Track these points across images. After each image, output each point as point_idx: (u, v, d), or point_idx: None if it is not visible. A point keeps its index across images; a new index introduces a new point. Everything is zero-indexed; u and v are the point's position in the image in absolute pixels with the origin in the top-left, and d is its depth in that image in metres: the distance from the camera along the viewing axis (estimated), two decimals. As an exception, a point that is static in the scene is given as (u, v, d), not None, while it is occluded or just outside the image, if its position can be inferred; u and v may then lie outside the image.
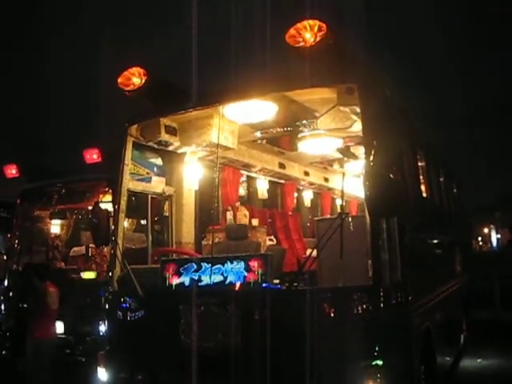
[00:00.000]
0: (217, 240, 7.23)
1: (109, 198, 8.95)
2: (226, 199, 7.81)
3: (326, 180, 10.73)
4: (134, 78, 5.81)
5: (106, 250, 9.96)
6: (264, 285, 4.90)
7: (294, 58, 5.24)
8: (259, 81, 5.66)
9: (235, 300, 4.90)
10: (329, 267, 5.17)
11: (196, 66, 6.12)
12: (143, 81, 5.77)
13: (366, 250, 4.87)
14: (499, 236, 35.80)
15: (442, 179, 8.49)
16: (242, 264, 5.00)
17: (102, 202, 7.11)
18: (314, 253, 5.12)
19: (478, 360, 9.06)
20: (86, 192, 10.00)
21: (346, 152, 5.28)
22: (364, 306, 4.58)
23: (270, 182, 9.19)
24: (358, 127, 6.18)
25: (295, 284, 4.84)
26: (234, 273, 5.02)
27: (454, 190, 10.08)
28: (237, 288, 4.97)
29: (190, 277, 5.19)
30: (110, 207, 6.96)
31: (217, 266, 5.10)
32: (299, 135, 7.21)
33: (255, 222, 8.26)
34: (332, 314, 4.63)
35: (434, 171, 7.89)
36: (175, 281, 5.25)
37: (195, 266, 5.20)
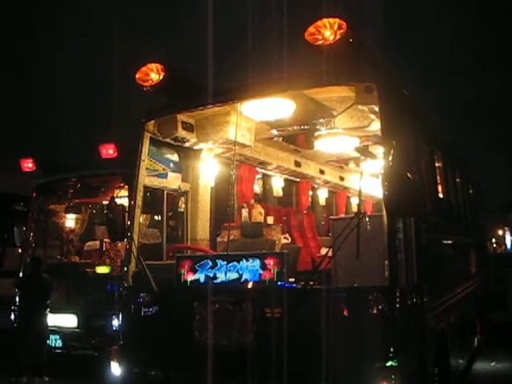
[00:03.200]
0: (232, 237, 7.23)
1: (124, 193, 8.99)
2: (241, 196, 7.80)
3: (342, 179, 10.69)
4: (153, 73, 5.80)
5: (120, 245, 10.01)
6: (279, 283, 4.88)
7: (313, 56, 5.23)
8: (277, 78, 5.65)
9: (250, 298, 4.90)
10: (344, 267, 5.14)
11: (212, 63, 6.13)
12: (161, 77, 5.76)
13: (383, 250, 4.86)
14: (513, 238, 35.53)
15: (457, 180, 8.42)
16: (258, 262, 4.99)
17: (117, 197, 7.10)
18: (330, 252, 5.09)
19: (492, 363, 9.00)
20: (100, 187, 10.04)
21: (364, 151, 5.25)
22: (380, 307, 4.55)
23: (285, 179, 9.18)
24: (375, 126, 6.17)
25: (311, 283, 4.81)
26: (249, 270, 5.01)
27: (470, 191, 10.00)
28: (252, 286, 4.96)
29: (205, 274, 5.19)
30: (125, 202, 7.00)
31: (232, 264, 5.09)
32: (316, 133, 7.18)
33: (270, 219, 8.24)
34: (347, 314, 4.61)
35: (451, 172, 7.82)
36: (190, 277, 5.24)
37: (210, 263, 5.19)
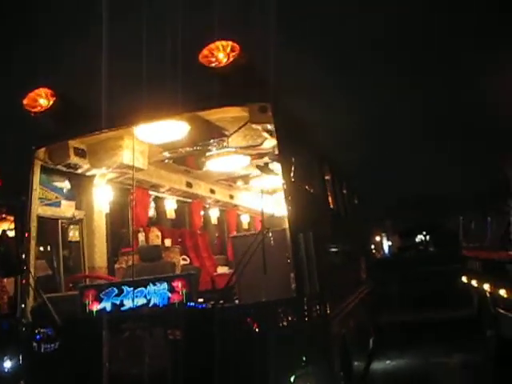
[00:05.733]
0: (130, 263, 7.09)
1: (7, 225, 8.49)
2: (136, 221, 7.67)
3: (231, 197, 10.85)
4: (41, 99, 5.61)
5: (5, 280, 9.44)
6: (189, 304, 4.88)
7: (208, 77, 5.33)
8: (171, 101, 5.67)
9: (161, 322, 4.85)
10: (248, 283, 5.21)
11: (104, 86, 6.03)
12: (51, 102, 5.59)
13: (286, 263, 5.03)
14: (390, 243, 37.69)
15: (345, 192, 8.89)
16: (166, 285, 4.96)
17: (9, 229, 6.71)
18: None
19: (387, 362, 9.51)
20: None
21: (265, 168, 5.42)
22: (291, 318, 4.72)
23: (177, 201, 9.15)
24: (268, 144, 6.37)
25: (221, 302, 4.86)
26: (157, 294, 4.96)
27: (356, 202, 10.58)
28: (162, 310, 4.91)
29: (112, 302, 5.06)
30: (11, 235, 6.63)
31: (139, 289, 5.02)
32: (207, 154, 7.27)
33: (168, 242, 8.17)
34: (261, 329, 4.69)
35: (338, 184, 8.25)
36: (96, 307, 5.09)
37: (116, 291, 5.07)
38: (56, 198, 6.39)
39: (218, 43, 5.05)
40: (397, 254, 33.66)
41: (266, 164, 5.39)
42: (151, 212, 8.73)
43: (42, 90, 5.62)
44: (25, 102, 5.64)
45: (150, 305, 4.96)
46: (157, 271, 6.18)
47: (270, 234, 5.13)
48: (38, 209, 5.89)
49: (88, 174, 6.65)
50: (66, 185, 6.62)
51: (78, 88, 5.99)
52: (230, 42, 5.04)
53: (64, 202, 6.49)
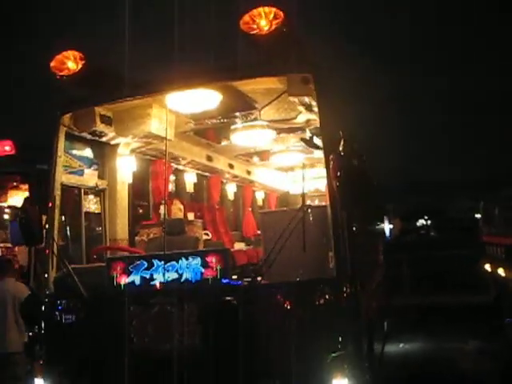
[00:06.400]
0: (152, 236, 6.92)
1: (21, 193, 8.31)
2: (157, 193, 7.45)
3: (249, 173, 10.64)
4: (70, 62, 5.36)
5: (17, 249, 9.29)
6: (224, 280, 4.70)
7: (247, 45, 5.09)
8: (205, 69, 5.45)
9: (193, 298, 4.68)
10: (280, 260, 5.03)
11: (127, 51, 5.77)
12: (80, 66, 5.34)
13: (322, 242, 4.86)
14: (392, 226, 37.69)
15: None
16: (199, 260, 4.77)
17: (31, 197, 6.51)
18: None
19: (401, 345, 9.43)
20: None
21: (310, 142, 5.19)
22: (329, 299, 4.55)
23: (196, 175, 8.94)
24: (302, 118, 6.15)
25: (259, 278, 4.68)
26: (189, 269, 4.78)
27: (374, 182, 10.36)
28: (195, 285, 4.73)
29: (141, 275, 4.88)
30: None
31: (170, 263, 4.83)
32: (232, 126, 7.04)
33: (191, 216, 7.99)
34: (297, 308, 4.53)
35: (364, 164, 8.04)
36: (124, 280, 4.91)
37: (146, 264, 4.89)
38: (79, 166, 6.17)
39: (261, 9, 4.78)
40: (398, 237, 33.68)
41: (311, 137, 5.16)
42: (170, 185, 8.52)
43: (71, 53, 5.37)
44: (52, 64, 5.39)
45: (182, 280, 4.78)
46: (180, 245, 5.98)
47: (309, 211, 4.94)
48: (63, 177, 5.69)
49: (112, 142, 6.42)
50: (89, 153, 6.40)
51: (107, 53, 5.74)
52: (274, 9, 4.78)
53: (87, 171, 6.29)
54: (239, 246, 8.76)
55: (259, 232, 6.64)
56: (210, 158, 8.79)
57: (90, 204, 6.89)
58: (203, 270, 4.75)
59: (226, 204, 10.44)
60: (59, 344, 5.15)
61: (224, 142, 8.25)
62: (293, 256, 4.66)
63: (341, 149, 4.35)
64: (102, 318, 4.90)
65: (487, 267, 9.93)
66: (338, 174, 4.29)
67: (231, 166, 9.70)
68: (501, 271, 9.05)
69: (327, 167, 4.61)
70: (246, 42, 5.00)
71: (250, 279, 4.72)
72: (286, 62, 5.01)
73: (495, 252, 9.32)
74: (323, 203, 5.46)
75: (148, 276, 4.87)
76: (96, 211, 6.66)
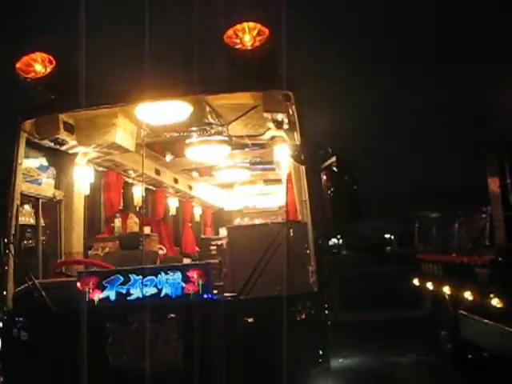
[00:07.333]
0: (107, 250, 6.67)
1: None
2: (109, 205, 7.18)
3: (190, 188, 10.54)
4: (37, 64, 5.09)
5: None
6: (206, 296, 4.60)
7: (226, 59, 5.07)
8: (181, 80, 5.36)
9: (175, 314, 4.54)
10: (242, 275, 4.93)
11: (103, 60, 5.59)
12: (48, 69, 5.08)
13: (301, 257, 4.90)
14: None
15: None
16: (179, 274, 4.64)
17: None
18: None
19: (340, 360, 9.60)
20: None
21: (297, 157, 5.19)
22: (311, 313, 4.59)
23: (145, 188, 8.72)
24: (268, 135, 6.17)
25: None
26: (169, 284, 4.64)
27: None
28: (175, 301, 4.58)
29: (117, 290, 4.67)
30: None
31: (149, 278, 4.67)
32: (187, 141, 6.94)
33: (147, 229, 7.75)
34: (282, 323, 4.49)
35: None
36: (98, 296, 4.68)
37: (122, 279, 4.69)
38: (38, 175, 5.85)
39: (245, 24, 4.78)
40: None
41: (299, 153, 5.15)
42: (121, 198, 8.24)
43: (39, 55, 5.09)
44: (17, 65, 5.08)
45: (162, 295, 4.63)
46: (139, 260, 5.82)
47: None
48: (22, 185, 5.38)
49: (71, 151, 6.14)
50: (44, 162, 6.09)
51: (76, 58, 5.50)
52: (258, 25, 4.79)
53: (45, 180, 5.97)
54: (186, 261, 8.59)
55: (222, 247, 6.57)
56: (158, 172, 8.63)
57: (26, 216, 6.53)
58: (184, 285, 4.63)
59: (169, 219, 10.24)
60: (20, 366, 4.82)
61: (171, 157, 8.18)
62: (269, 271, 4.65)
63: (334, 165, 4.41)
64: (72, 336, 4.61)
65: (422, 283, 10.38)
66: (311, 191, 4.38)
67: (176, 181, 9.57)
68: (436, 287, 9.48)
69: (308, 183, 4.69)
70: (226, 55, 4.99)
71: (233, 294, 4.63)
72: (265, 78, 5.02)
73: (430, 269, 9.77)
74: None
75: (124, 291, 4.67)
76: (31, 224, 6.29)
